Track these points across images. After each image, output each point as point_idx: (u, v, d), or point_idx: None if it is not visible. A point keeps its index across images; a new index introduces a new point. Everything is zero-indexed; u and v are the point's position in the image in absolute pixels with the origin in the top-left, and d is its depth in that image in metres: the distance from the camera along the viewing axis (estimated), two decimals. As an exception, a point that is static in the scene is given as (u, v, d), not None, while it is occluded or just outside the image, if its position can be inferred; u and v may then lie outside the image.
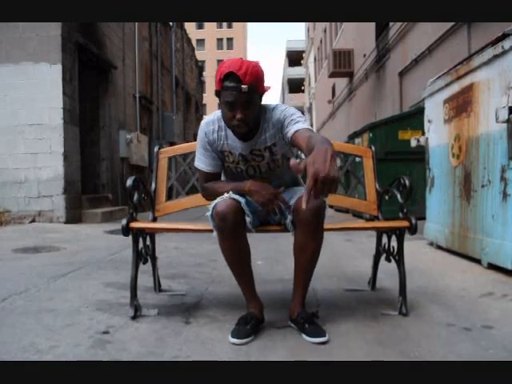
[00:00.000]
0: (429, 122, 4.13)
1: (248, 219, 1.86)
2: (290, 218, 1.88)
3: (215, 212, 1.81)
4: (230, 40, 59.30)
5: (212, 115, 2.01)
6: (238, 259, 1.90)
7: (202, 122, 2.01)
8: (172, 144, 11.24)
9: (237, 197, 1.87)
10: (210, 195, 2.01)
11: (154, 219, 2.41)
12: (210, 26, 57.82)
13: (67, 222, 6.48)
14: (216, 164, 2.02)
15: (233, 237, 1.84)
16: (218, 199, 1.87)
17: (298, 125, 1.80)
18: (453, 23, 7.36)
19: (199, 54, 24.43)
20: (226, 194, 1.89)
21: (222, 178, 2.14)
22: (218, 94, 1.80)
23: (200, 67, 20.95)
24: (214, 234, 1.89)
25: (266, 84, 1.83)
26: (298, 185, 2.17)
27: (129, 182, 2.08)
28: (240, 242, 1.87)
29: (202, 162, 2.02)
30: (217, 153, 2.00)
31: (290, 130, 1.81)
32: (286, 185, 2.09)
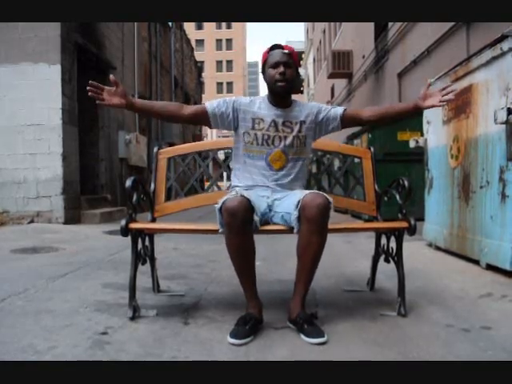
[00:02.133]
0: (428, 123, 4.14)
1: (256, 218, 1.88)
2: (295, 214, 1.89)
3: (225, 207, 1.82)
4: (229, 41, 59.33)
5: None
6: (244, 257, 1.90)
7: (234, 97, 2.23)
8: (171, 145, 11.23)
9: (246, 194, 1.88)
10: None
11: (153, 220, 2.41)
12: (209, 27, 57.85)
13: (66, 222, 6.47)
14: (215, 108, 2.12)
15: (241, 234, 1.84)
16: (228, 195, 1.89)
17: (336, 112, 2.20)
18: (451, 25, 7.37)
19: (198, 55, 24.45)
20: (236, 190, 2.01)
21: (235, 164, 2.26)
22: (263, 67, 2.14)
23: (199, 68, 20.96)
24: (221, 230, 1.89)
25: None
26: (304, 182, 2.26)
27: (128, 182, 2.08)
28: (247, 240, 1.87)
29: (209, 102, 2.16)
30: (239, 117, 2.13)
31: (338, 110, 2.21)
32: (296, 180, 2.19)
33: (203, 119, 2.15)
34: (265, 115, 2.14)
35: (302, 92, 40.12)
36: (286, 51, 2.10)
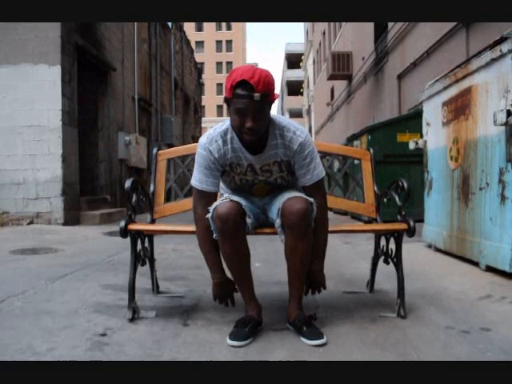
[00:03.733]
0: (427, 124, 4.14)
1: (249, 220, 1.87)
2: (278, 222, 1.87)
3: (216, 214, 1.81)
4: (229, 42, 59.41)
5: (212, 131, 1.94)
6: (238, 261, 1.90)
7: (202, 140, 1.93)
8: (171, 146, 11.24)
9: (237, 198, 1.87)
10: (197, 230, 1.94)
11: (153, 221, 2.41)
12: (209, 28, 57.93)
13: (65, 223, 6.47)
14: (217, 183, 1.96)
15: (234, 238, 1.84)
16: (219, 201, 1.86)
17: (304, 177, 1.92)
18: (451, 27, 7.38)
19: (198, 56, 24.48)
20: (225, 195, 1.91)
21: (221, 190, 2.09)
22: (227, 101, 1.76)
23: (199, 69, 20.97)
24: (215, 236, 1.88)
25: (275, 92, 1.80)
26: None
27: (127, 183, 2.08)
28: (240, 244, 1.87)
29: (202, 182, 1.91)
30: (223, 167, 1.94)
31: (303, 178, 1.93)
32: (286, 189, 2.02)
33: (214, 197, 1.93)
34: (240, 159, 1.90)
35: (301, 94, 40.16)
36: (258, 96, 1.67)
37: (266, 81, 1.70)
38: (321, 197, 1.93)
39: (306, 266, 1.92)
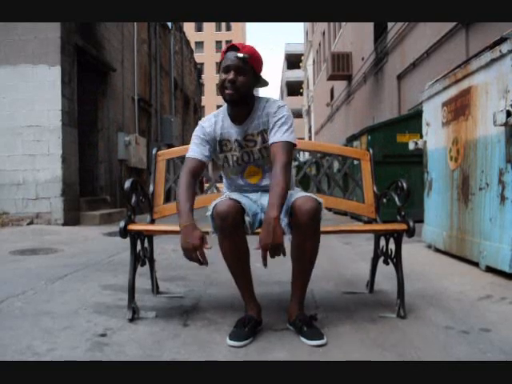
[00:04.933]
0: (427, 125, 4.14)
1: (248, 219, 1.87)
2: (285, 220, 1.87)
3: (216, 212, 1.81)
4: (228, 43, 59.12)
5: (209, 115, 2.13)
6: (238, 260, 1.91)
7: (199, 123, 2.11)
8: (170, 146, 11.23)
9: (236, 197, 1.88)
10: (177, 195, 1.98)
11: (152, 221, 2.41)
12: (208, 29, 57.95)
13: (65, 224, 6.47)
14: (204, 154, 2.02)
15: (233, 236, 1.84)
16: (218, 200, 1.88)
17: (274, 136, 1.92)
18: (451, 27, 7.39)
19: (198, 57, 24.49)
20: (225, 194, 1.94)
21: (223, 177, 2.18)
22: (219, 66, 1.95)
23: (199, 70, 20.97)
24: (213, 235, 1.89)
25: (262, 70, 1.97)
26: (292, 187, 2.13)
27: (127, 184, 2.08)
28: (239, 242, 1.88)
29: (191, 151, 2.03)
30: (214, 144, 2.05)
31: (272, 137, 1.93)
32: None
33: (199, 169, 2.01)
34: (229, 134, 2.02)
35: (301, 94, 40.18)
36: (241, 55, 1.87)
37: (251, 49, 1.93)
38: (285, 157, 1.86)
39: (313, 267, 1.92)
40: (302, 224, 1.80)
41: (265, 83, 2.04)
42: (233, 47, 1.92)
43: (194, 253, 1.78)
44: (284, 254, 1.76)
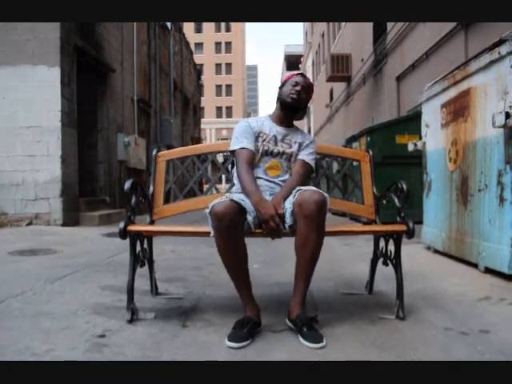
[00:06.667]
0: (426, 126, 4.15)
1: (250, 218, 1.90)
2: (290, 207, 1.93)
3: (213, 212, 1.84)
4: (228, 44, 59.41)
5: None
6: (235, 260, 1.91)
7: (242, 120, 2.37)
8: (170, 147, 11.22)
9: (236, 198, 1.89)
10: (240, 182, 2.14)
11: (152, 222, 2.41)
12: (208, 30, 57.94)
13: (64, 224, 6.46)
14: (253, 145, 2.21)
15: (230, 237, 1.85)
16: (217, 200, 1.90)
17: (303, 155, 2.27)
18: (450, 28, 7.40)
19: (197, 58, 24.50)
20: (226, 194, 2.00)
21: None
22: (282, 85, 2.33)
23: (198, 71, 20.99)
24: (212, 234, 1.89)
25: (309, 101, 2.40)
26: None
27: (126, 185, 2.08)
28: (237, 243, 1.89)
29: (243, 143, 2.20)
30: (255, 136, 2.27)
31: (299, 154, 2.28)
32: None
33: (254, 157, 2.22)
34: (267, 129, 2.28)
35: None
36: (307, 79, 2.33)
37: (311, 82, 2.34)
38: (303, 171, 2.23)
39: (317, 260, 1.94)
40: (309, 214, 1.84)
41: (304, 114, 2.41)
42: (303, 74, 2.36)
43: (272, 221, 1.90)
44: (280, 233, 1.93)
